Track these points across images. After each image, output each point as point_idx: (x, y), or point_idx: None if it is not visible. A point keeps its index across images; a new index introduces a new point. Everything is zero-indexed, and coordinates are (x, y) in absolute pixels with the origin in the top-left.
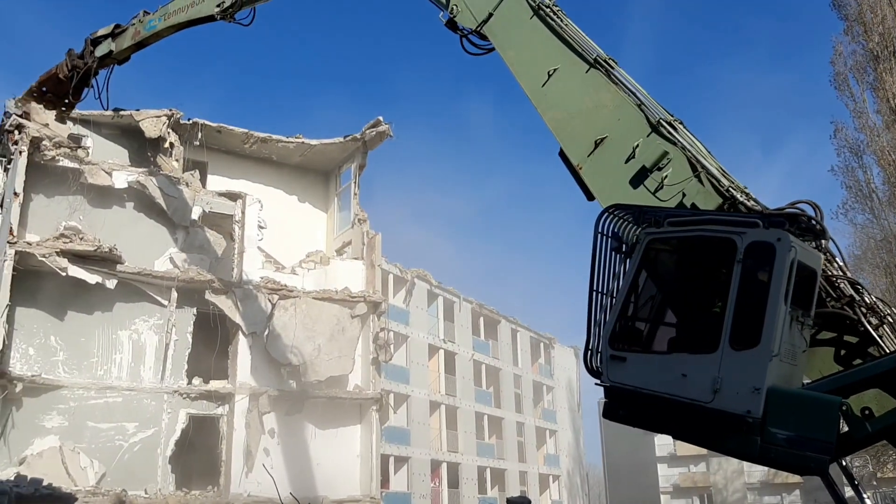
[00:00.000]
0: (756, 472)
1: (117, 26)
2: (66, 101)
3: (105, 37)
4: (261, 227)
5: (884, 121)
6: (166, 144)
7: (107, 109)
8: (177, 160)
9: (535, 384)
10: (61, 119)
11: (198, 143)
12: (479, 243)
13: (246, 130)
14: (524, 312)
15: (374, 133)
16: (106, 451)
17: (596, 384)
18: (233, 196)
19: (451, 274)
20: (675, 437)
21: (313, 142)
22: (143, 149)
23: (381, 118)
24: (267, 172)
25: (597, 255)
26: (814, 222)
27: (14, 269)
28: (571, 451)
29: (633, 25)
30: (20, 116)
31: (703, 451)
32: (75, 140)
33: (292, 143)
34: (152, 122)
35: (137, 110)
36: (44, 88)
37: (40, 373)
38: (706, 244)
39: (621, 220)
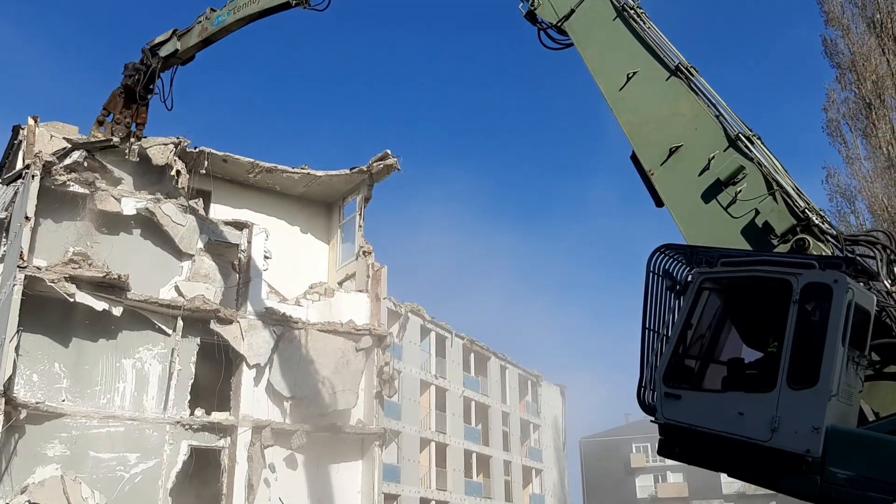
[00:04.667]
0: None
1: (175, 31)
2: (133, 117)
3: (164, 42)
4: (266, 258)
5: (876, 167)
6: (173, 172)
7: (171, 110)
8: (183, 188)
9: (522, 422)
10: (138, 137)
11: (204, 172)
12: (468, 275)
13: (252, 160)
14: (512, 348)
15: (381, 166)
16: (107, 481)
17: (651, 421)
18: (239, 225)
19: (443, 307)
20: (731, 476)
21: (319, 173)
22: (148, 176)
23: (388, 151)
24: (270, 202)
25: (649, 293)
26: (886, 255)
27: (22, 294)
28: (556, 492)
29: None
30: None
31: (686, 493)
32: (104, 168)
33: (297, 173)
34: (159, 150)
35: (145, 137)
36: (109, 115)
37: (44, 400)
38: (761, 284)
39: (673, 260)
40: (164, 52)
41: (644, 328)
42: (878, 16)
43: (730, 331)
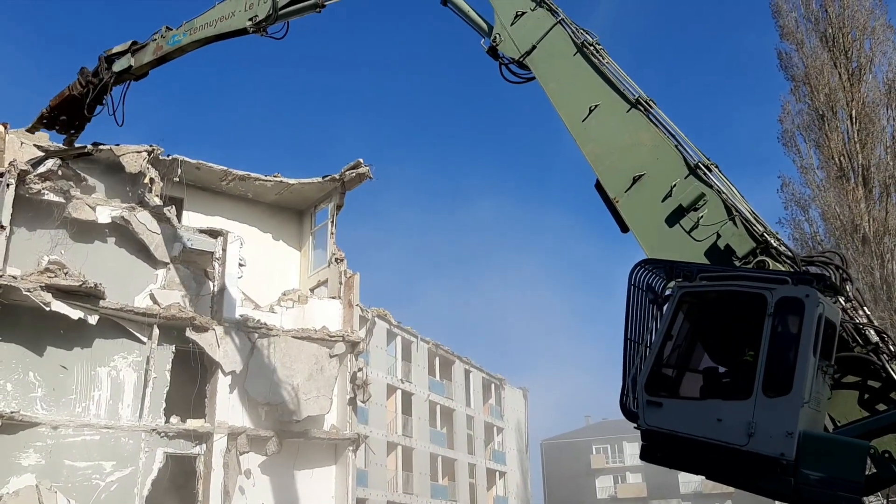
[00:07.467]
0: None
1: (134, 43)
2: (77, 122)
3: (121, 53)
4: (241, 265)
5: (828, 176)
6: (146, 180)
7: (121, 125)
8: (157, 196)
9: (486, 425)
10: (70, 143)
11: (177, 179)
12: (430, 278)
13: (225, 168)
14: (476, 352)
15: (353, 174)
16: (83, 490)
17: (634, 427)
18: (214, 233)
19: (409, 312)
20: (710, 478)
21: (291, 181)
22: (121, 184)
23: (361, 160)
24: (242, 210)
25: (630, 305)
26: (839, 275)
27: None
28: (519, 493)
29: None
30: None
31: (644, 494)
32: (77, 176)
33: (270, 181)
34: (132, 158)
35: (117, 145)
36: (55, 112)
37: (18, 409)
38: (737, 298)
39: (653, 274)
40: (117, 67)
41: (626, 339)
42: (831, 31)
43: (708, 342)
